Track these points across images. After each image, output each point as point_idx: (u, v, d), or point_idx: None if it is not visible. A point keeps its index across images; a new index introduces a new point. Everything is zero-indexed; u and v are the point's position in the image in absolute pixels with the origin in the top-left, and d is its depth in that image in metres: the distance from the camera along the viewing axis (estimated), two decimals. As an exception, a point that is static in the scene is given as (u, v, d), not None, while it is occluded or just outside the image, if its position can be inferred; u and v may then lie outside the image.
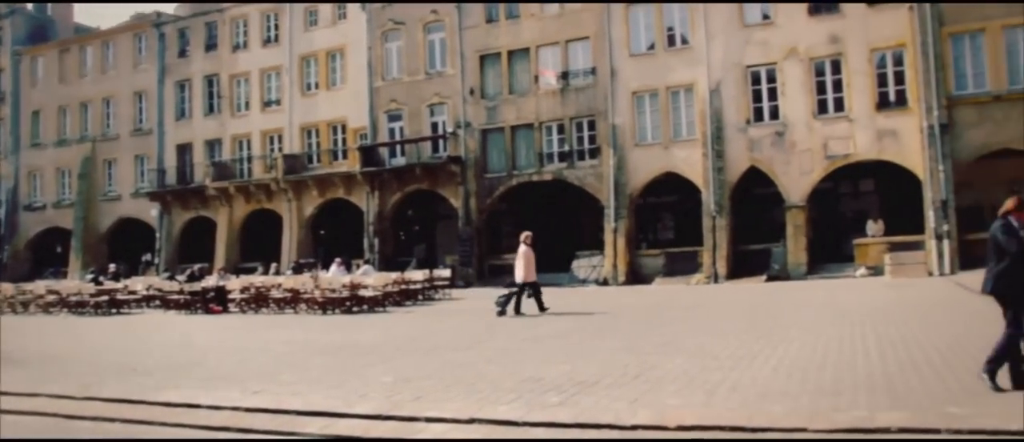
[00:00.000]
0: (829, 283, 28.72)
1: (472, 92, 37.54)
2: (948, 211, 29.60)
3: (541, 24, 36.53)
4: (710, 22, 33.46)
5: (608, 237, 34.71)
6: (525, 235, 20.98)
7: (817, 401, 8.28)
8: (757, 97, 32.97)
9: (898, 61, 31.18)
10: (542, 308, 20.04)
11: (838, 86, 31.83)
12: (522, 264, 20.28)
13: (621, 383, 9.71)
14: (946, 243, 29.50)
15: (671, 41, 34.57)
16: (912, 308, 18.16)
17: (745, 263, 32.82)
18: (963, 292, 21.81)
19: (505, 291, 20.88)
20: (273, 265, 36.05)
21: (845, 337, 13.27)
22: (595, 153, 35.49)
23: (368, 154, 39.23)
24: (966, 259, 29.21)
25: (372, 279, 26.79)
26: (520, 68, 37.06)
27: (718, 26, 33.34)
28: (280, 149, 42.81)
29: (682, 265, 33.68)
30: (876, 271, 30.16)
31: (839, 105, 31.82)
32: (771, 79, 32.72)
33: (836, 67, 31.88)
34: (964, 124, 29.97)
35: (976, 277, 26.26)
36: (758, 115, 32.96)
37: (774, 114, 32.68)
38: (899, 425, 7.17)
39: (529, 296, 20.27)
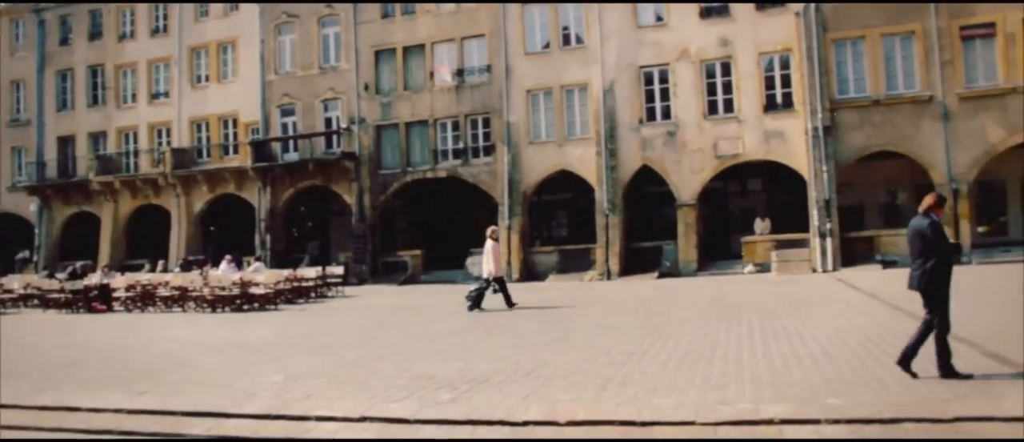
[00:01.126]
0: (718, 280, 29.08)
1: (367, 88, 36.67)
2: (831, 210, 30.27)
3: (437, 21, 35.93)
4: (604, 23, 33.44)
5: (502, 235, 34.32)
6: (492, 229, 21.11)
7: (705, 394, 8.40)
8: (650, 97, 33.10)
9: (785, 65, 31.75)
10: (509, 303, 19.82)
11: (728, 88, 32.25)
12: (491, 259, 20.13)
13: (513, 379, 9.67)
14: (829, 241, 30.18)
15: (566, 40, 34.43)
16: (796, 303, 18.35)
17: (637, 260, 32.97)
18: (844, 287, 22.41)
19: (474, 287, 20.51)
20: (161, 262, 34.56)
21: (732, 332, 13.39)
22: (490, 150, 35.08)
23: (260, 149, 37.95)
24: (847, 256, 30.08)
25: (263, 276, 26.10)
26: (415, 64, 36.38)
27: (612, 26, 33.35)
28: (168, 143, 40.98)
29: (576, 262, 33.61)
30: (763, 268, 30.66)
31: (729, 106, 32.23)
32: (663, 80, 32.91)
33: (726, 69, 32.29)
34: (846, 127, 30.71)
35: (856, 273, 27.30)
36: (651, 115, 33.10)
37: (666, 114, 32.87)
38: (782, 416, 7.34)
39: (495, 292, 19.98)
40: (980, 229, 32.03)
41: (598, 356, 11.28)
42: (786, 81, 31.70)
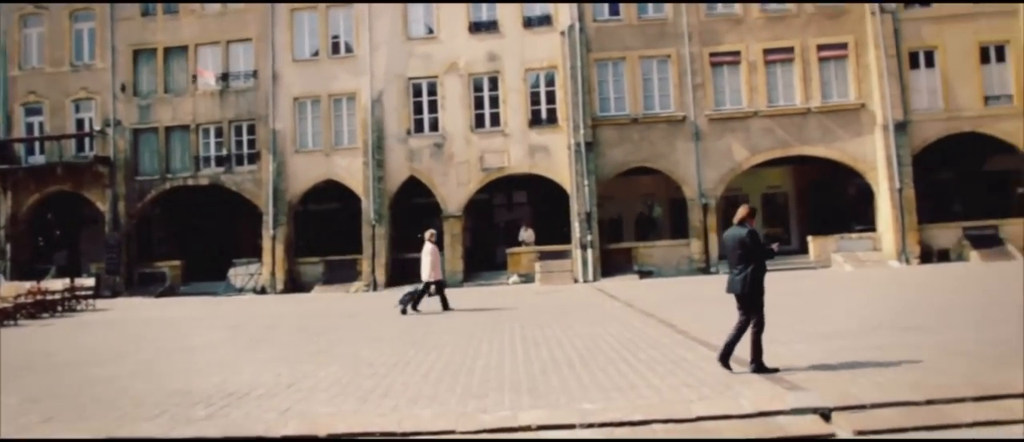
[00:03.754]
0: (483, 290, 28.70)
1: (124, 89, 33.50)
2: (592, 223, 30.40)
3: (201, 22, 33.50)
4: (375, 32, 32.31)
5: (267, 244, 32.33)
6: (429, 233, 20.36)
7: (465, 403, 8.43)
8: (418, 109, 32.22)
9: (550, 82, 31.76)
10: (446, 306, 19.39)
11: (495, 102, 31.89)
12: (428, 262, 19.63)
13: (273, 393, 9.40)
14: (590, 252, 30.27)
15: (335, 49, 32.97)
16: (557, 312, 18.40)
17: (404, 271, 31.58)
18: (603, 297, 22.53)
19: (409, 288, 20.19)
20: None
21: (494, 341, 13.37)
22: (254, 158, 32.93)
23: (1, 150, 34.01)
24: (607, 267, 30.25)
25: (2, 289, 24.18)
26: (177, 66, 33.64)
27: (382, 37, 32.28)
28: None
29: (342, 273, 32.06)
30: (527, 278, 30.44)
31: (496, 120, 31.85)
32: (432, 92, 32.15)
33: (494, 84, 31.93)
34: (607, 143, 31.02)
35: (615, 283, 27.40)
36: (419, 126, 32.19)
37: (434, 126, 32.08)
38: (539, 422, 7.53)
39: (432, 294, 19.73)
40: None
41: (361, 368, 11.08)
42: (551, 97, 31.70)
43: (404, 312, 19.04)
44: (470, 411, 8.02)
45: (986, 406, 7.43)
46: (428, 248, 19.89)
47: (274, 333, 16.83)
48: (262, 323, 19.23)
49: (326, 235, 33.86)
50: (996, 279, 22.64)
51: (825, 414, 7.38)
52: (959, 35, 30.61)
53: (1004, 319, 13.11)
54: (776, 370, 9.16)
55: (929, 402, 7.57)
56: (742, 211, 9.59)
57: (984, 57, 30.82)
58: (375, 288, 31.09)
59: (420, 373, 10.42)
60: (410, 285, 30.18)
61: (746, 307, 9.31)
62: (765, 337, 9.36)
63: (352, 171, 32.15)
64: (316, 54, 32.98)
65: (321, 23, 32.85)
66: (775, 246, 10.09)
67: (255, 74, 33.04)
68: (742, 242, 9.28)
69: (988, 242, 30.10)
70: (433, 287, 19.76)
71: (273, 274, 32.08)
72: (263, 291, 31.94)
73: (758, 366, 9.19)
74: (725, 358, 9.36)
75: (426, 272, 19.72)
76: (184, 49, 33.56)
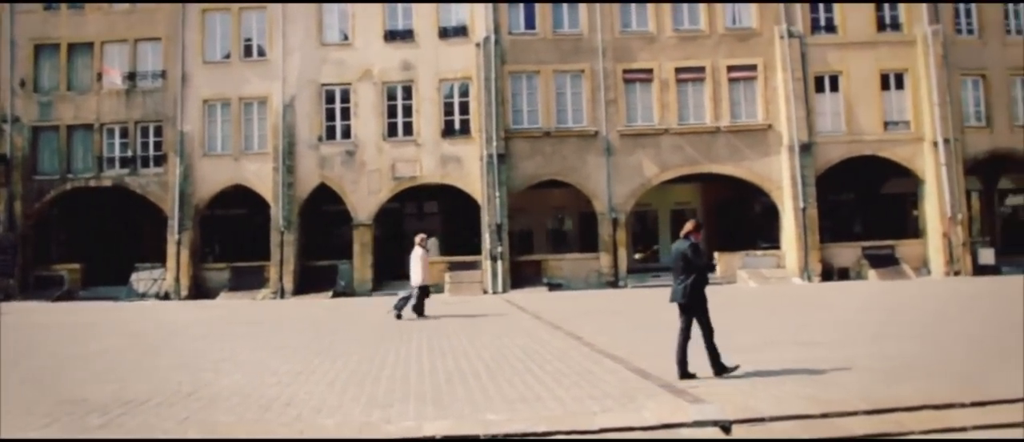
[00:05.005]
0: (392, 299, 27.28)
1: (23, 84, 31.91)
2: (502, 234, 30.16)
3: (108, 18, 32.14)
4: (288, 37, 31.53)
5: (171, 249, 31.17)
6: (420, 237, 20.15)
7: (370, 413, 8.26)
8: (330, 115, 31.52)
9: (464, 93, 31.43)
10: (421, 312, 19.23)
11: (408, 111, 31.43)
12: (419, 267, 19.38)
13: (173, 401, 9.06)
14: (500, 263, 29.99)
15: (248, 51, 32.04)
16: (465, 323, 18.12)
17: (312, 279, 31.18)
18: (512, 308, 22.40)
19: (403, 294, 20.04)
20: None
21: (401, 351, 13.15)
22: (161, 161, 31.73)
23: None
24: (517, 278, 30.06)
25: None
26: (82, 63, 32.17)
27: (296, 42, 31.52)
28: None
29: (249, 280, 31.12)
30: (437, 289, 29.82)
31: (408, 129, 31.38)
32: (345, 99, 31.51)
33: (408, 93, 31.48)
34: (519, 155, 30.84)
35: (524, 294, 27.18)
36: (330, 133, 31.49)
37: (346, 133, 31.43)
38: (442, 433, 7.41)
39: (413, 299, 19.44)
40: (636, 255, 33.24)
41: (265, 376, 10.77)
42: (465, 108, 31.37)
43: (399, 317, 18.87)
44: (374, 421, 7.89)
45: (878, 419, 7.62)
46: (418, 253, 19.63)
47: (176, 340, 16.29)
48: (163, 330, 18.62)
49: (233, 241, 32.92)
50: (891, 297, 23.27)
51: (725, 427, 7.46)
52: (862, 62, 31.34)
53: (897, 335, 13.55)
54: (736, 367, 9.64)
55: (824, 415, 7.71)
56: (688, 225, 9.98)
57: (884, 84, 31.62)
58: (282, 295, 30.30)
59: (325, 382, 10.20)
60: (317, 292, 30.09)
61: (688, 315, 9.63)
62: (717, 342, 9.68)
63: (262, 176, 31.28)
64: (227, 56, 32.02)
65: (233, 25, 31.93)
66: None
67: (164, 74, 31.89)
68: (684, 255, 9.64)
69: (885, 261, 30.81)
70: (417, 291, 19.52)
71: (177, 280, 30.98)
72: (166, 297, 30.84)
73: (718, 369, 9.55)
74: (684, 368, 9.51)
75: (417, 277, 19.48)
76: (89, 46, 32.15)
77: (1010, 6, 32.40)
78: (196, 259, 31.58)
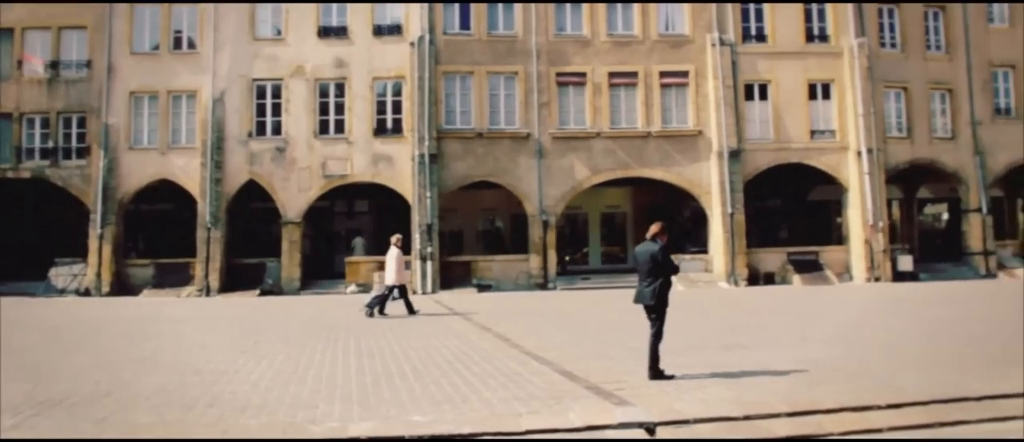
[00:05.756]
0: (320, 298, 27.99)
1: (-63, 70, 30.90)
2: (433, 234, 29.92)
3: (29, 5, 30.91)
4: (220, 31, 30.83)
5: (93, 244, 30.25)
6: (396, 238, 19.99)
7: (294, 413, 8.14)
8: (261, 111, 30.95)
9: (397, 92, 31.11)
10: (411, 310, 19.36)
11: (341, 109, 31.00)
12: (393, 267, 19.42)
13: (90, 401, 8.80)
14: (429, 264, 29.73)
15: (178, 44, 31.25)
16: (392, 323, 17.86)
17: (240, 277, 30.57)
18: (441, 308, 22.31)
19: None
20: None
21: (328, 351, 13.02)
22: (84, 153, 30.73)
23: None
24: (446, 279, 29.88)
25: None
26: (2, 50, 31.05)
27: (228, 35, 30.85)
28: None
29: (173, 277, 30.38)
30: (365, 288, 29.53)
31: (340, 127, 30.95)
32: (276, 95, 30.96)
33: (340, 90, 31.05)
34: (451, 156, 30.64)
35: (454, 295, 27.07)
36: (261, 129, 30.91)
37: (277, 130, 30.88)
38: (367, 434, 7.35)
39: (395, 298, 19.63)
40: (566, 258, 33.29)
41: (187, 375, 10.52)
42: (397, 107, 31.05)
43: (370, 315, 18.91)
44: (299, 421, 7.79)
45: (799, 421, 7.80)
46: (394, 253, 19.58)
47: (95, 338, 15.80)
48: (82, 327, 18.13)
49: (158, 237, 32.16)
50: (814, 302, 23.69)
51: (650, 429, 7.51)
52: (790, 72, 31.81)
53: (819, 339, 13.84)
54: (672, 377, 9.55)
55: (747, 417, 7.84)
56: (655, 227, 9.89)
57: (812, 94, 32.14)
58: (208, 293, 29.65)
59: (249, 382, 10.01)
60: (244, 291, 29.55)
61: (653, 317, 9.66)
62: (662, 346, 9.74)
63: (189, 171, 30.53)
64: (156, 48, 31.18)
65: (163, 16, 31.12)
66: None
67: (89, 64, 30.93)
68: (654, 256, 9.60)
69: (809, 267, 31.32)
70: (396, 291, 19.65)
71: (99, 275, 30.10)
72: (87, 293, 29.96)
73: (655, 373, 9.54)
74: (655, 369, 9.56)
75: (391, 276, 19.56)
76: (9, 31, 30.94)
77: (930, 24, 33.24)
78: (119, 254, 30.74)
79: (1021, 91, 33.61)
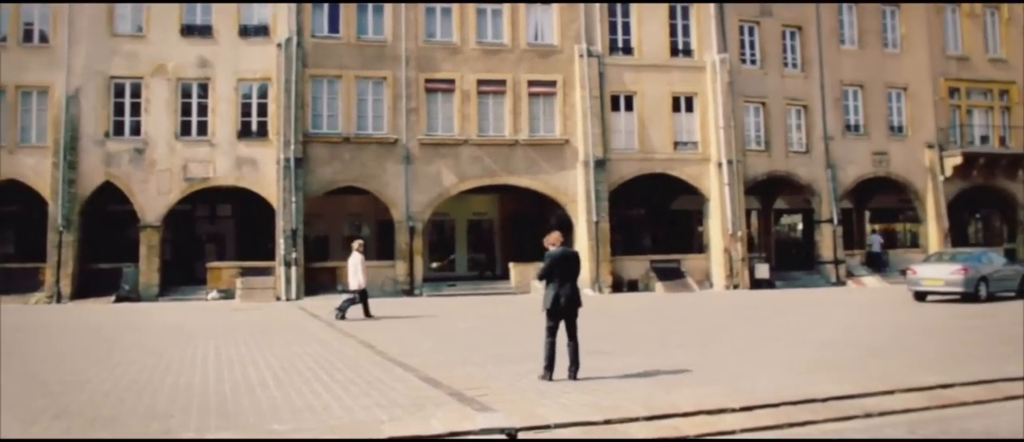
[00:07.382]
0: (180, 305, 27.23)
1: None
2: (297, 240, 29.36)
3: None
4: (75, 25, 29.31)
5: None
6: (358, 243, 20.49)
7: (147, 425, 7.82)
8: (119, 110, 29.63)
9: (263, 94, 30.32)
10: (368, 314, 19.58)
11: (203, 110, 29.98)
12: (357, 271, 19.76)
13: None
14: (294, 270, 29.17)
15: (28, 36, 29.58)
16: (255, 330, 17.68)
17: (94, 282, 29.18)
18: (305, 315, 22.00)
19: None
20: None
21: (186, 359, 12.69)
22: (-79, 149, 29.07)
23: None
24: (311, 285, 29.39)
25: None
26: None
27: (83, 30, 29.39)
28: None
29: (21, 282, 28.66)
30: (228, 294, 28.95)
31: (203, 129, 29.96)
32: (136, 93, 29.69)
33: (203, 91, 30.04)
34: (317, 160, 30.10)
35: (318, 302, 26.60)
36: (118, 129, 29.61)
37: (135, 130, 29.63)
38: None
39: (355, 302, 19.80)
40: (433, 264, 33.19)
41: (33, 387, 10.00)
42: (262, 110, 30.24)
43: (341, 318, 19.30)
44: (153, 433, 7.54)
45: (656, 424, 8.01)
46: (357, 258, 19.85)
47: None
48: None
49: (5, 240, 30.52)
50: (675, 308, 24.29)
51: (511, 434, 7.57)
52: (655, 84, 32.43)
53: (677, 344, 14.45)
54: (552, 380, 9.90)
55: (607, 421, 8.02)
56: (556, 234, 10.37)
57: (676, 106, 32.86)
58: (59, 300, 28.27)
59: (101, 392, 9.60)
60: (99, 297, 28.35)
61: (562, 320, 9.99)
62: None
63: (39, 172, 29.02)
64: (4, 40, 29.48)
65: (12, 7, 29.48)
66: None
67: (-72, 57, 29.15)
68: (576, 259, 10.37)
69: (671, 274, 32.02)
70: (357, 295, 19.80)
71: (-68, 282, 28.40)
72: (-80, 299, 28.18)
73: (546, 373, 9.93)
74: (550, 371, 9.87)
75: (355, 281, 19.79)
76: None
77: (788, 42, 34.41)
78: (-41, 258, 29.09)
79: (869, 109, 35.16)
